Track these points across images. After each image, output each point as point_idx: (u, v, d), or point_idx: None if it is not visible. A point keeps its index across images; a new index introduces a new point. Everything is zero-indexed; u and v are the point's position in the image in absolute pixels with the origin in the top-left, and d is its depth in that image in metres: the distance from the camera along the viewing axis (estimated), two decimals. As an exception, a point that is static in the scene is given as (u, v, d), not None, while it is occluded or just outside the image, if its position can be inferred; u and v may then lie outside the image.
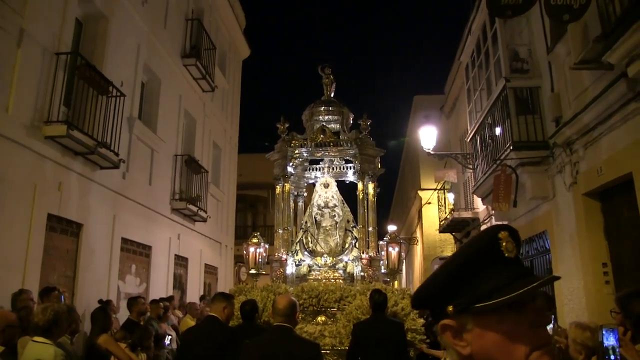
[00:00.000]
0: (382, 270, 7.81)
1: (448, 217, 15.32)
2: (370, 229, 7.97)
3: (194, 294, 12.87)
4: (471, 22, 10.43)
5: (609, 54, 4.91)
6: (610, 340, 2.54)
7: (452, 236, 17.16)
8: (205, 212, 13.21)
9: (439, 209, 17.14)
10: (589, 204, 6.91)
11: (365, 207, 8.02)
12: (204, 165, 13.46)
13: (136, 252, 10.30)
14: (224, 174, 16.51)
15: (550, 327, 3.56)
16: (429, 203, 20.27)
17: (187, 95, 13.06)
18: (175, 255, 12.16)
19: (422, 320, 6.34)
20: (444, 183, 16.43)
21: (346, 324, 6.04)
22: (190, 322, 9.36)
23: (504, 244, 1.09)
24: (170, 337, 7.74)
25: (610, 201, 6.64)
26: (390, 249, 7.80)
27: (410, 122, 25.08)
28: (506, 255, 1.09)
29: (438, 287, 1.14)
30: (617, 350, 2.35)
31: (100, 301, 7.41)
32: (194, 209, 12.44)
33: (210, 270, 15.15)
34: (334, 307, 6.71)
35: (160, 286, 11.08)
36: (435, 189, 18.35)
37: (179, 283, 12.59)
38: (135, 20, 10.26)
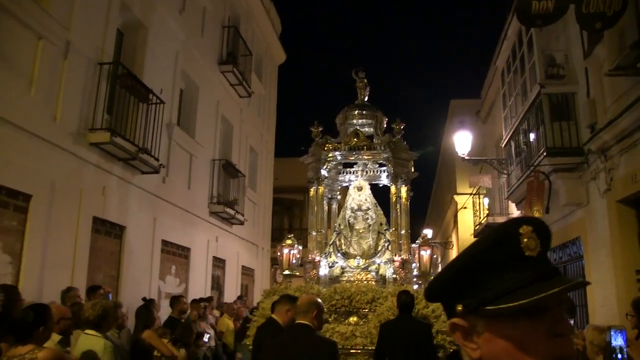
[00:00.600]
0: (415, 273, 7.89)
1: (482, 222, 15.23)
2: (403, 232, 8.04)
3: (231, 294, 13.17)
4: (507, 26, 10.41)
5: (643, 62, 4.92)
6: (618, 341, 2.61)
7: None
8: (242, 215, 13.50)
9: (474, 213, 17.03)
10: (624, 211, 6.86)
11: (399, 210, 8.10)
12: (241, 169, 13.76)
13: (176, 254, 10.64)
14: (261, 178, 16.81)
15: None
16: (465, 208, 20.14)
17: (224, 101, 13.38)
18: (213, 257, 12.49)
19: None
20: (479, 188, 16.32)
21: (377, 324, 6.13)
22: (228, 321, 9.66)
23: (524, 240, 0.98)
24: (208, 335, 8.02)
25: (645, 208, 6.59)
26: (422, 251, 7.88)
27: (447, 126, 24.94)
28: (526, 253, 0.98)
29: (447, 283, 1.06)
30: (625, 349, 2.41)
31: (144, 299, 7.71)
32: (231, 212, 12.73)
33: (247, 272, 15.45)
34: (366, 309, 6.82)
35: (199, 286, 11.40)
36: (470, 194, 18.25)
37: (217, 284, 12.91)
38: (173, 29, 10.61)
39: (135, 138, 8.33)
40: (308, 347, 3.66)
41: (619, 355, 2.44)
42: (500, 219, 14.07)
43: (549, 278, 0.97)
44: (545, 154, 8.11)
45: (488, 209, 15.94)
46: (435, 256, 8.91)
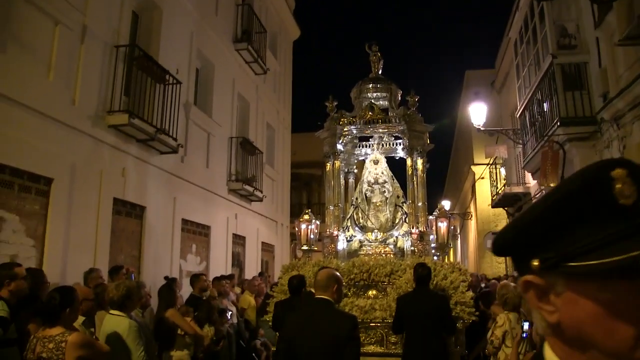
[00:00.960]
0: (432, 245, 7.93)
1: (500, 192, 15.26)
2: (420, 204, 8.08)
3: (251, 271, 13.43)
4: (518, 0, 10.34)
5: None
6: None
7: (504, 211, 17.08)
8: (261, 192, 13.69)
9: (491, 184, 17.04)
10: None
11: (415, 182, 8.14)
12: (259, 146, 13.91)
13: (196, 232, 10.89)
14: (278, 154, 16.96)
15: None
16: (482, 178, 20.15)
17: (240, 79, 13.49)
18: (233, 234, 12.73)
19: (470, 294, 6.49)
20: (495, 158, 16.31)
21: (396, 297, 6.17)
22: (249, 297, 9.88)
23: (617, 185, 0.83)
24: (230, 312, 8.26)
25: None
26: (439, 223, 7.90)
27: (462, 97, 24.80)
28: (620, 201, 0.82)
29: (521, 233, 0.91)
30: None
31: (166, 278, 7.96)
32: (250, 189, 12.92)
33: (267, 248, 15.72)
34: (385, 281, 6.89)
35: (220, 264, 11.67)
36: (487, 164, 18.23)
37: (237, 261, 13.18)
38: (188, 9, 10.70)
39: (153, 119, 8.50)
40: (328, 321, 3.65)
41: None
42: (517, 189, 14.12)
43: None
44: (559, 123, 8.14)
45: (505, 179, 15.95)
46: (452, 227, 8.94)
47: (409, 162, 8.27)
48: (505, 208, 16.30)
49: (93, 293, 4.91)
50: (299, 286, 6.04)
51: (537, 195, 12.74)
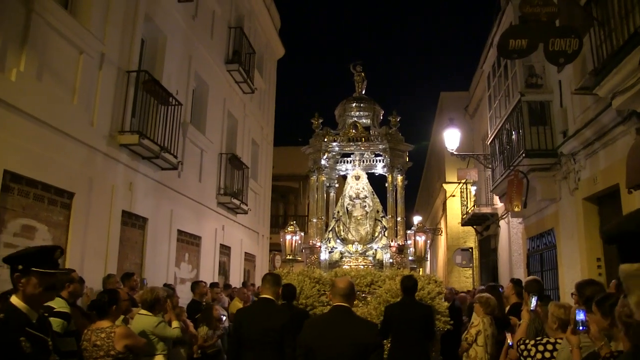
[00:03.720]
0: (410, 258, 8.40)
1: (470, 211, 16.31)
2: (399, 218, 8.63)
3: (235, 279, 14.17)
4: (492, 37, 11.39)
5: (598, 89, 5.93)
6: (580, 316, 3.54)
7: (473, 229, 18.15)
8: (246, 204, 14.48)
9: (461, 203, 18.10)
10: (588, 207, 7.95)
11: (394, 198, 8.67)
12: (245, 161, 14.69)
13: (189, 242, 11.62)
14: (261, 169, 17.76)
15: (533, 303, 4.59)
16: (453, 196, 21.21)
17: (230, 98, 14.30)
18: (220, 244, 13.48)
19: (446, 304, 7.18)
20: (466, 180, 17.37)
21: (377, 306, 6.85)
22: (239, 304, 10.63)
23: None
24: (224, 316, 9.00)
25: (604, 205, 7.67)
26: (417, 237, 8.35)
27: (437, 116, 25.95)
28: None
29: None
30: (585, 321, 3.33)
31: (165, 284, 8.67)
32: (237, 202, 13.70)
33: (249, 258, 16.47)
34: (365, 291, 7.47)
35: (208, 272, 12.39)
36: (459, 183, 19.28)
37: (223, 269, 13.91)
38: (188, 34, 11.49)
39: (157, 138, 9.24)
40: (352, 329, 3.72)
41: (581, 327, 3.37)
42: (486, 209, 15.19)
43: None
44: (524, 155, 9.13)
45: (475, 197, 17.01)
46: (429, 241, 9.55)
47: (389, 179, 8.78)
48: (474, 226, 17.37)
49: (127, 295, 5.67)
50: (292, 294, 6.60)
51: (504, 216, 13.83)
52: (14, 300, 2.71)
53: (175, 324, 5.62)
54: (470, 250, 18.43)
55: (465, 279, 20.17)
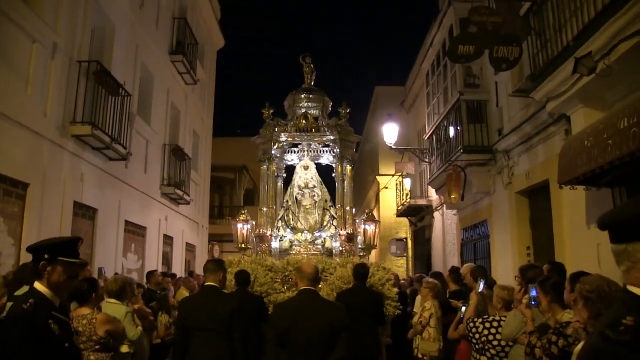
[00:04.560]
0: (359, 246, 8.58)
1: (405, 202, 17.06)
2: (348, 208, 8.84)
3: (177, 269, 14.23)
4: (433, 36, 12.04)
5: (534, 93, 6.57)
6: (533, 292, 4.05)
7: (407, 219, 18.96)
8: (189, 195, 14.54)
9: (397, 195, 18.84)
10: (519, 200, 8.70)
11: (344, 188, 8.90)
12: (187, 152, 14.73)
13: (135, 233, 11.62)
14: (201, 159, 17.80)
15: (481, 287, 5.15)
16: (386, 188, 21.97)
17: (173, 89, 14.28)
18: (164, 234, 13.50)
19: (396, 289, 7.53)
20: (402, 173, 18.09)
21: (329, 292, 6.97)
22: (185, 292, 10.79)
23: None
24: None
25: (534, 198, 8.44)
26: (366, 226, 8.54)
27: (371, 110, 26.68)
28: None
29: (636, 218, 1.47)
30: (536, 297, 3.84)
31: (115, 274, 8.72)
32: (180, 193, 13.75)
33: (190, 248, 16.54)
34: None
35: (153, 262, 12.41)
36: (393, 175, 20.03)
37: (166, 259, 13.95)
38: (134, 24, 11.41)
39: (107, 128, 9.21)
40: (321, 311, 3.97)
41: (533, 302, 3.88)
42: (421, 201, 15.97)
43: None
44: (462, 150, 9.78)
45: (410, 190, 17.77)
46: (377, 230, 9.49)
47: (339, 169, 8.97)
48: (409, 217, 18.17)
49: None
50: (247, 280, 6.71)
51: (438, 208, 14.63)
52: (39, 286, 2.90)
53: (139, 328, 5.73)
54: (405, 240, 19.23)
55: (397, 268, 20.99)
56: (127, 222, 11.02)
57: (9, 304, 4.23)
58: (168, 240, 14.08)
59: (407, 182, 17.96)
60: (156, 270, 8.96)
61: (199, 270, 16.05)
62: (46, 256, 2.89)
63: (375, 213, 26.30)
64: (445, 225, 13.95)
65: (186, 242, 15.86)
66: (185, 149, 14.81)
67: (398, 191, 18.70)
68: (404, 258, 19.73)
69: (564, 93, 6.05)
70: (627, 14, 4.63)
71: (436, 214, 15.16)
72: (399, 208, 17.97)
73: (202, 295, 4.86)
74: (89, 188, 9.19)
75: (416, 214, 17.29)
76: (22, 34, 7.25)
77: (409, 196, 17.18)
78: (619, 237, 1.71)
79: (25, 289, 4.75)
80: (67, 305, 3.23)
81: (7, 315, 2.90)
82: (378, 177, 23.99)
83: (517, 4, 6.85)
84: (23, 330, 2.70)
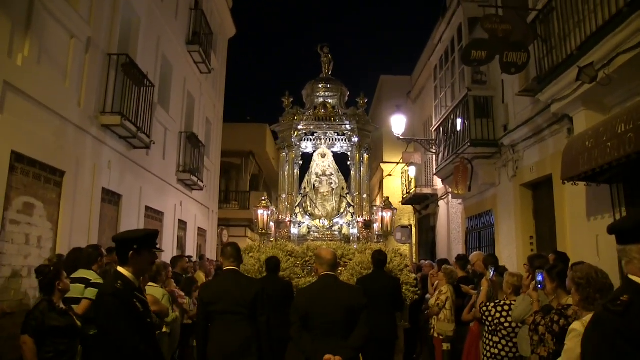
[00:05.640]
0: (377, 232, 8.91)
1: (411, 191, 17.58)
2: (365, 195, 9.18)
3: (190, 252, 14.79)
4: (442, 33, 12.48)
5: (540, 95, 7.07)
6: (539, 278, 4.55)
7: (411, 207, 19.51)
8: (202, 181, 15.06)
9: (402, 183, 19.35)
10: (524, 192, 9.22)
11: (361, 176, 9.22)
12: (201, 139, 15.22)
13: (154, 218, 12.16)
14: (212, 146, 18.29)
15: (491, 274, 5.68)
16: (390, 175, 22.45)
17: (189, 78, 14.75)
18: (179, 219, 14.04)
19: (413, 275, 7.90)
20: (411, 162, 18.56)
21: (350, 277, 7.34)
22: (202, 275, 11.34)
23: None
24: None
25: (538, 191, 8.96)
26: (384, 213, 8.85)
27: (375, 99, 27.07)
28: None
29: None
30: (542, 281, 4.35)
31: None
32: (195, 179, 14.27)
33: (201, 233, 17.08)
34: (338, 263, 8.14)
35: (169, 247, 12.96)
36: (397, 163, 20.49)
37: (180, 244, 14.50)
38: (157, 16, 11.85)
39: (133, 118, 9.70)
40: (342, 293, 4.23)
41: (540, 286, 4.39)
42: (426, 190, 16.51)
43: None
44: (469, 144, 10.28)
45: (414, 179, 18.26)
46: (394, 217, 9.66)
47: (357, 157, 9.28)
48: (414, 205, 18.71)
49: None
50: (277, 266, 7.07)
51: (443, 197, 15.16)
52: (122, 270, 3.43)
53: (175, 313, 6.27)
54: (410, 227, 19.78)
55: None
56: (147, 208, 11.54)
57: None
58: (182, 225, 14.62)
59: (412, 171, 18.44)
60: (183, 256, 9.46)
61: (209, 254, 16.68)
62: (135, 246, 3.42)
63: (378, 200, 26.88)
64: (450, 214, 14.49)
65: (198, 227, 16.39)
66: (199, 136, 15.29)
67: (404, 179, 19.21)
68: (408, 245, 20.29)
69: (567, 96, 6.55)
70: (626, 30, 5.14)
71: (441, 203, 15.69)
72: (405, 196, 18.48)
73: (225, 278, 4.80)
74: (115, 175, 9.70)
75: (421, 202, 17.83)
76: (63, 30, 7.72)
77: (414, 185, 17.68)
78: (620, 240, 2.48)
79: (82, 272, 5.34)
80: (142, 288, 3.74)
81: (99, 293, 3.45)
82: (382, 165, 24.45)
83: (524, 13, 7.33)
84: (116, 305, 3.25)
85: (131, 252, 3.41)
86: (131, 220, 10.53)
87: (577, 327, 3.13)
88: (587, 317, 3.14)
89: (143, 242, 3.48)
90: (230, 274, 4.75)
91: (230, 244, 5.10)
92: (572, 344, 3.10)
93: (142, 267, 3.50)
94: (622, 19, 5.15)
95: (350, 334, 4.11)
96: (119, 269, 3.47)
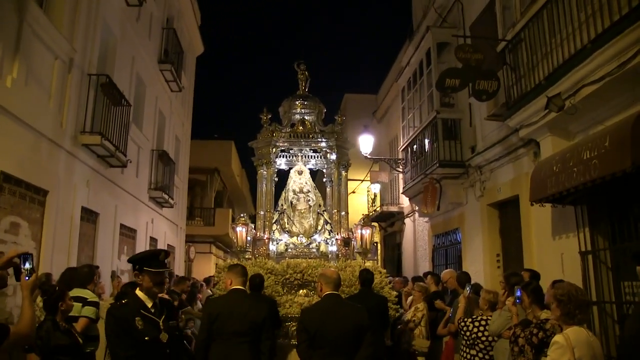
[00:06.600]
0: (356, 250, 8.80)
1: (376, 209, 18.02)
2: (343, 213, 9.19)
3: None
4: (410, 57, 13.01)
5: (509, 120, 7.58)
6: (518, 293, 4.91)
7: (377, 224, 19.93)
8: (172, 198, 15.14)
9: (367, 200, 19.78)
10: (490, 211, 9.73)
11: (339, 193, 9.28)
12: (171, 157, 15.31)
13: (128, 235, 12.20)
14: (181, 164, 18.36)
15: (468, 291, 6.06)
16: (354, 192, 22.85)
17: (160, 96, 14.87)
18: (150, 237, 14.07)
19: (395, 292, 7.98)
20: (368, 176, 19.02)
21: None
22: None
23: None
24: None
25: (504, 210, 9.47)
26: (362, 231, 8.70)
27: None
28: None
29: None
30: (520, 297, 4.71)
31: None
32: (166, 196, 14.34)
33: (171, 250, 17.05)
34: (316, 281, 7.42)
35: (141, 263, 12.96)
36: (362, 180, 20.89)
37: (151, 261, 14.47)
38: (131, 36, 12.00)
39: (111, 137, 9.80)
40: (347, 313, 4.35)
41: (518, 300, 4.76)
42: (393, 208, 16.97)
43: None
44: (438, 164, 10.74)
45: (381, 197, 18.72)
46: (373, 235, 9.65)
47: (335, 174, 9.34)
48: (380, 223, 19.15)
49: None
50: (261, 284, 7.02)
51: (409, 215, 15.64)
52: (137, 291, 3.67)
53: None
54: (376, 244, 20.19)
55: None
56: (122, 226, 11.59)
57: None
58: (153, 242, 14.62)
59: (376, 188, 18.85)
60: (187, 278, 9.59)
61: (177, 271, 16.69)
62: (137, 267, 3.66)
63: (342, 216, 27.30)
64: (417, 231, 14.96)
65: (167, 244, 16.39)
66: (170, 154, 15.39)
67: (369, 197, 19.64)
68: (373, 262, 20.68)
69: (535, 123, 7.06)
70: (590, 64, 5.66)
71: (407, 220, 16.16)
72: (371, 214, 18.88)
73: (231, 298, 4.75)
74: (94, 194, 9.76)
75: (387, 219, 18.27)
76: (48, 51, 7.85)
77: (379, 202, 18.12)
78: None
79: (78, 291, 5.47)
80: (164, 308, 3.84)
81: (107, 311, 3.70)
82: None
83: (494, 42, 7.86)
84: (111, 323, 3.56)
85: (135, 272, 3.66)
86: (107, 239, 10.58)
87: (559, 339, 3.52)
88: (568, 330, 3.55)
89: (142, 263, 3.70)
90: (238, 293, 4.79)
91: (236, 264, 5.22)
92: (556, 355, 3.48)
93: (147, 287, 3.69)
94: (586, 54, 5.66)
95: (356, 353, 4.22)
96: (137, 289, 3.71)
